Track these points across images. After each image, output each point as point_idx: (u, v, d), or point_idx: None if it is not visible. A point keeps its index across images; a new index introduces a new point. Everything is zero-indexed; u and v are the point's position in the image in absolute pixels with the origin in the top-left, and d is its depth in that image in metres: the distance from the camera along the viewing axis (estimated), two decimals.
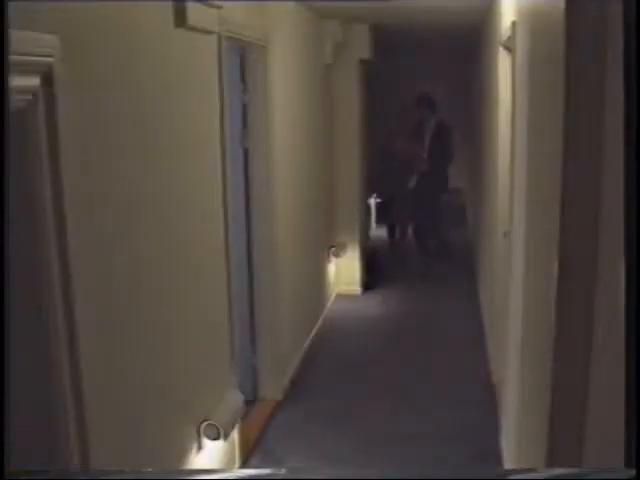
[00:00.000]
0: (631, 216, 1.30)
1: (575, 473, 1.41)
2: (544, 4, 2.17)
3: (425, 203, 6.99)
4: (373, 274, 6.72)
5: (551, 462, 1.81)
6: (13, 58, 1.32)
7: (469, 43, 7.12)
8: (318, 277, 5.68)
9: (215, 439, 2.75)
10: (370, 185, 7.37)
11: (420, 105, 7.03)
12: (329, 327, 5.52)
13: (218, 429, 2.74)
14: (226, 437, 2.81)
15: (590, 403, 1.67)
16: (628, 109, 1.32)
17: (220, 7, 2.78)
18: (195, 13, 2.51)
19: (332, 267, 6.15)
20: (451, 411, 4.04)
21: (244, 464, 3.38)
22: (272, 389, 4.17)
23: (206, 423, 2.73)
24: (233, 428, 2.99)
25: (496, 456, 3.40)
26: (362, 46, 6.12)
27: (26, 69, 1.51)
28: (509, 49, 3.62)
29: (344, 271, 6.39)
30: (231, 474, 1.54)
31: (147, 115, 2.24)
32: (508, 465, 3.15)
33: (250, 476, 1.28)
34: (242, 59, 3.76)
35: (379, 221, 8.44)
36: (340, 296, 6.27)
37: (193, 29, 2.57)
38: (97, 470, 1.82)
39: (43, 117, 1.60)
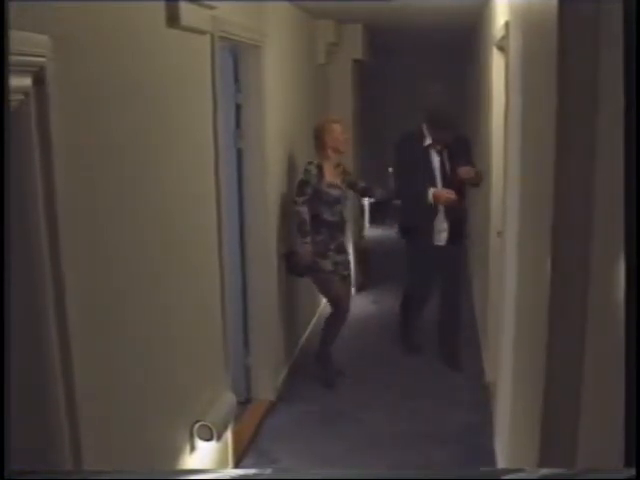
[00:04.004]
0: (631, 216, 1.29)
1: (575, 473, 1.41)
2: (537, 4, 2.17)
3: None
4: (367, 274, 6.71)
5: (545, 463, 1.82)
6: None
7: (465, 43, 7.13)
8: None
9: (208, 440, 2.74)
10: None
11: (437, 128, 4.43)
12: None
13: (211, 430, 2.73)
14: (219, 438, 2.80)
15: (583, 404, 1.67)
16: (628, 109, 1.32)
17: (213, 7, 2.78)
18: (188, 13, 2.50)
19: None
20: (448, 411, 4.04)
21: (237, 465, 3.37)
22: (265, 390, 4.16)
23: (199, 424, 2.72)
24: (226, 429, 2.98)
25: (490, 456, 3.41)
26: (355, 46, 6.13)
27: (18, 69, 1.50)
28: (502, 49, 3.63)
29: None
30: (217, 474, 1.54)
31: (140, 115, 2.23)
32: (502, 466, 3.15)
33: (239, 476, 1.28)
34: (235, 59, 3.76)
35: (372, 221, 8.33)
36: None
37: (186, 29, 2.56)
38: (90, 471, 1.82)
39: (35, 117, 1.59)
